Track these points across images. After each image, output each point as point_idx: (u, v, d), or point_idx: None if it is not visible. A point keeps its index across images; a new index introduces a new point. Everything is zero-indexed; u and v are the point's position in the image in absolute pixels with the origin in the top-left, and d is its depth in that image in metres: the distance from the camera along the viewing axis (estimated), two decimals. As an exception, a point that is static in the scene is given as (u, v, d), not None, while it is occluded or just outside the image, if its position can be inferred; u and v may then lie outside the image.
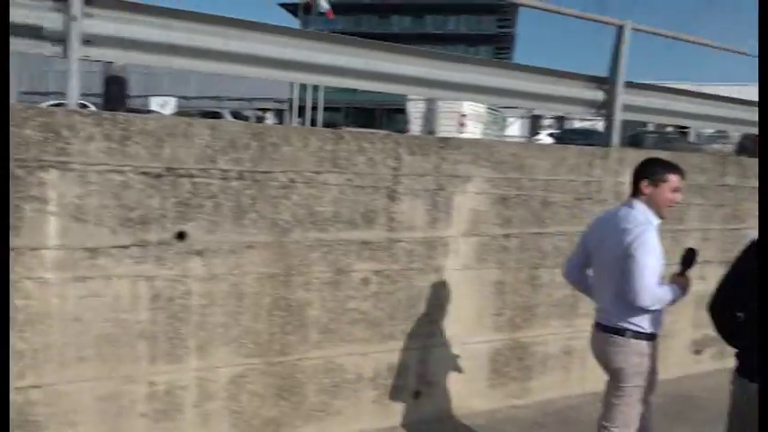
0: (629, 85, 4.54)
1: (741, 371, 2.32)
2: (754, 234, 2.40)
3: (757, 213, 5.10)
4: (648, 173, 2.74)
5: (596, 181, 4.33)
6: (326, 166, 3.36)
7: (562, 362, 4.42)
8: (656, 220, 2.72)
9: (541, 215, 4.13)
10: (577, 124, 22.24)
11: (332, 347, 3.49)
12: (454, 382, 3.99)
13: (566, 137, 15.20)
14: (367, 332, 3.58)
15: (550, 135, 17.25)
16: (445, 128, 12.54)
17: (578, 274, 3.02)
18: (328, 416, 3.52)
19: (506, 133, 24.03)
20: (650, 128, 19.45)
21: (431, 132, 11.17)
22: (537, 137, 18.03)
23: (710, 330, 5.22)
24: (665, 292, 2.66)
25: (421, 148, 3.64)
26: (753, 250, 2.35)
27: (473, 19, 50.43)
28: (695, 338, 5.06)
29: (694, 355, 5.08)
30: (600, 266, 2.86)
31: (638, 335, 2.71)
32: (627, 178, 4.46)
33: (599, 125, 22.47)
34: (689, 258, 2.77)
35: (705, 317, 4.88)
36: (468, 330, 3.97)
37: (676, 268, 2.79)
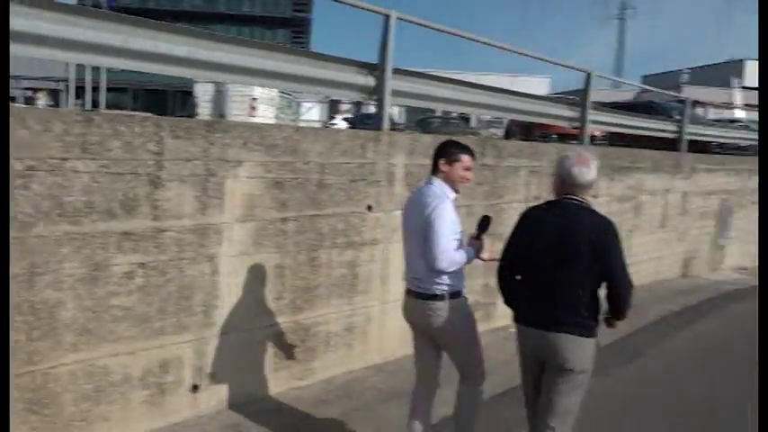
0: (397, 71, 4.79)
1: (518, 319, 2.91)
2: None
3: (514, 189, 5.70)
4: (445, 153, 3.05)
5: (370, 163, 4.52)
6: (75, 151, 3.04)
7: (344, 339, 4.58)
8: (452, 195, 3.03)
9: (318, 198, 4.20)
10: (372, 109, 23.14)
11: (92, 349, 3.20)
12: (236, 371, 3.91)
13: (359, 121, 15.74)
14: (134, 329, 3.35)
15: (345, 120, 17.73)
16: (237, 112, 12.19)
17: None
18: (91, 424, 3.23)
19: (305, 118, 24.18)
20: (438, 113, 20.94)
21: (221, 116, 10.79)
22: (332, 121, 18.39)
23: (479, 296, 5.76)
24: (461, 256, 2.96)
25: (186, 131, 3.46)
26: (521, 222, 2.92)
27: (269, 1, 49.62)
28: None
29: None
30: (409, 239, 3.10)
31: (454, 294, 2.99)
32: (398, 160, 4.74)
33: (394, 110, 23.42)
34: (484, 224, 3.13)
35: (471, 285, 5.39)
36: (248, 317, 3.92)
37: (473, 233, 3.14)
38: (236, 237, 3.77)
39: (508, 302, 3.00)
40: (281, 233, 4.02)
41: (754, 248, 11.19)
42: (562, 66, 7.30)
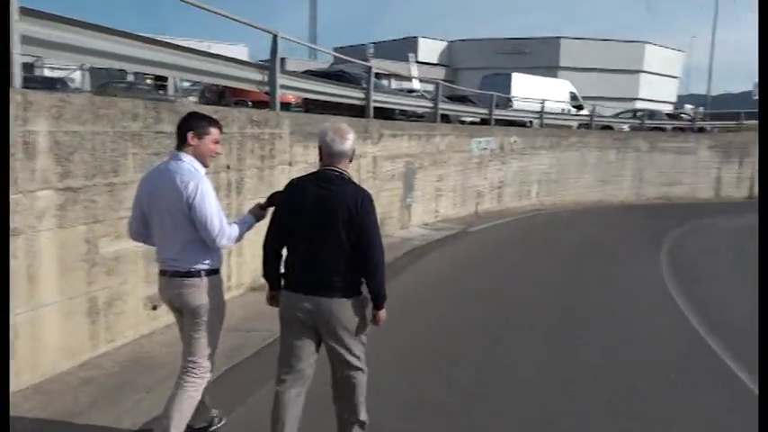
0: (29, 12, 3.73)
1: (288, 288, 2.92)
2: None
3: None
4: (193, 126, 2.95)
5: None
6: None
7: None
8: (203, 170, 2.95)
9: None
10: (57, 73, 19.69)
11: None
12: None
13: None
14: None
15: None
16: None
17: (144, 231, 3.06)
18: None
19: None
20: (130, 78, 18.75)
21: None
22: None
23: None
24: (236, 229, 2.99)
25: None
26: (285, 193, 2.95)
27: None
28: (150, 294, 4.82)
29: (151, 312, 4.85)
30: (162, 220, 2.93)
31: (210, 272, 2.97)
32: (40, 126, 3.74)
33: (76, 74, 20.14)
34: (275, 199, 3.07)
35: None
36: None
37: (262, 202, 3.18)
38: None
39: (267, 275, 3.02)
40: None
41: (434, 205, 12.52)
42: (248, 25, 6.82)
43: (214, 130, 3.01)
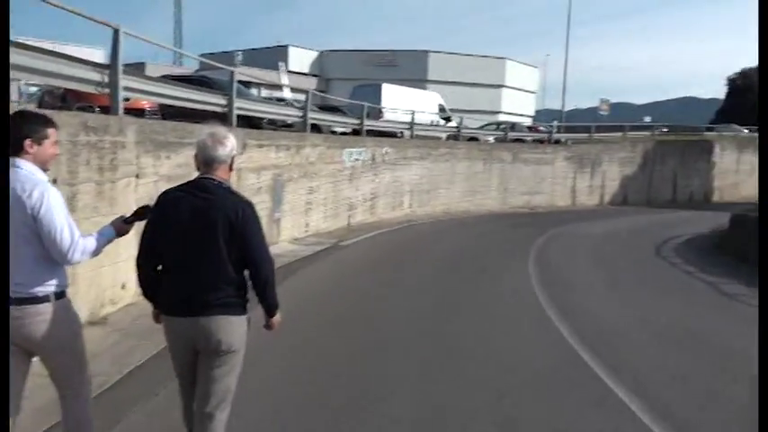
0: None
1: (164, 310, 2.73)
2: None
3: None
4: (28, 132, 2.63)
5: None
6: None
7: None
8: (45, 176, 2.67)
9: None
10: None
11: None
12: None
13: None
14: None
15: None
16: None
17: None
18: None
19: None
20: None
21: None
22: None
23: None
24: (91, 242, 2.67)
25: None
26: (157, 205, 2.72)
27: None
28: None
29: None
30: None
31: (61, 294, 2.67)
32: None
33: None
34: (142, 213, 2.82)
35: None
36: None
37: (127, 216, 2.85)
38: None
39: (148, 294, 2.81)
40: None
41: (304, 219, 12.00)
42: (84, 17, 5.95)
43: (52, 131, 2.70)
